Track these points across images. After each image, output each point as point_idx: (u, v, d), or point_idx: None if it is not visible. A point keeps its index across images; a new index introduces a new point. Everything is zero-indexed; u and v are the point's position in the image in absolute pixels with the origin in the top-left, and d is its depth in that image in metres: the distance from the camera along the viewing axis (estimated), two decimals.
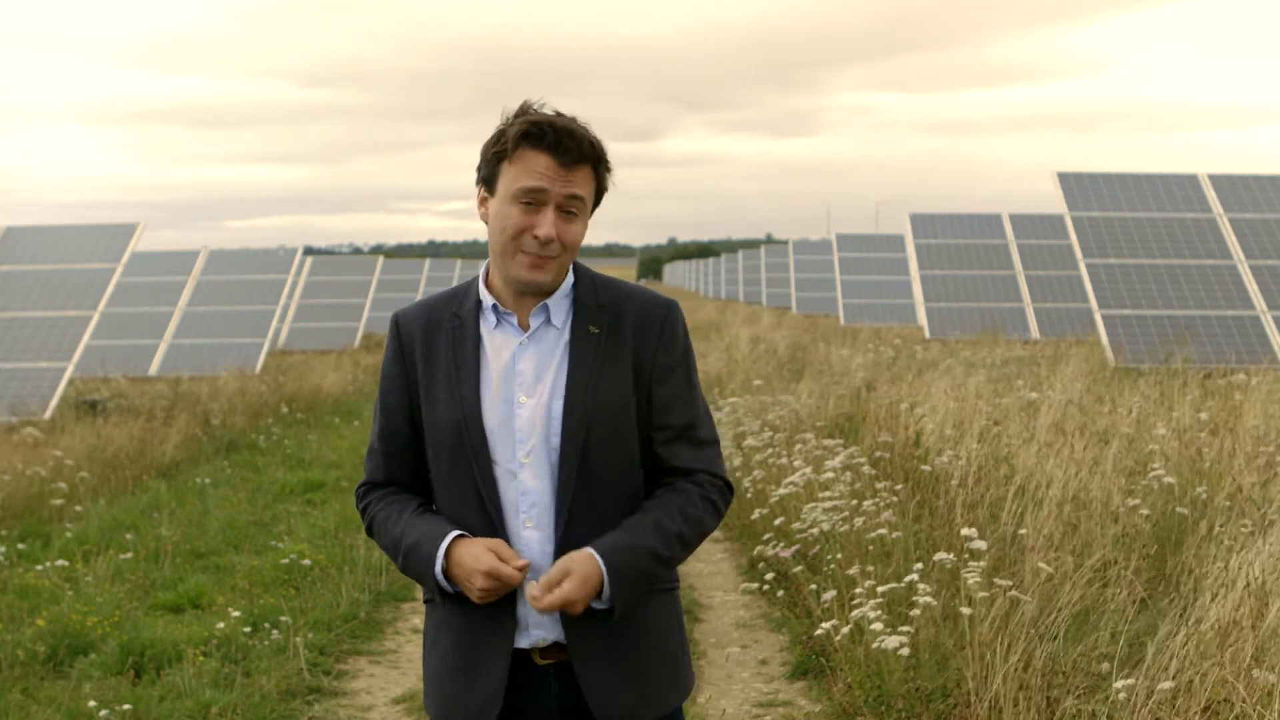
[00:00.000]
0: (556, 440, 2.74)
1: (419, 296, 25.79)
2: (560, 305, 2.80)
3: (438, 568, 2.72)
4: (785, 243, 48.78)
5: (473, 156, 2.85)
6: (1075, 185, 18.18)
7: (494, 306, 2.80)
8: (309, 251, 35.44)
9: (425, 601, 2.91)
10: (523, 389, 2.76)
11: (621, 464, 2.79)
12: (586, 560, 2.68)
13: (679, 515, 2.79)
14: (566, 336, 2.79)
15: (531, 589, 2.68)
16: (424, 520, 2.79)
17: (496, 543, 2.71)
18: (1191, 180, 18.34)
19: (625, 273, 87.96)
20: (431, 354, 2.82)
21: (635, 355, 2.80)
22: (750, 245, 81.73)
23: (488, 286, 2.83)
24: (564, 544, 2.73)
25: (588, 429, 2.73)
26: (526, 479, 2.74)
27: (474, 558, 2.68)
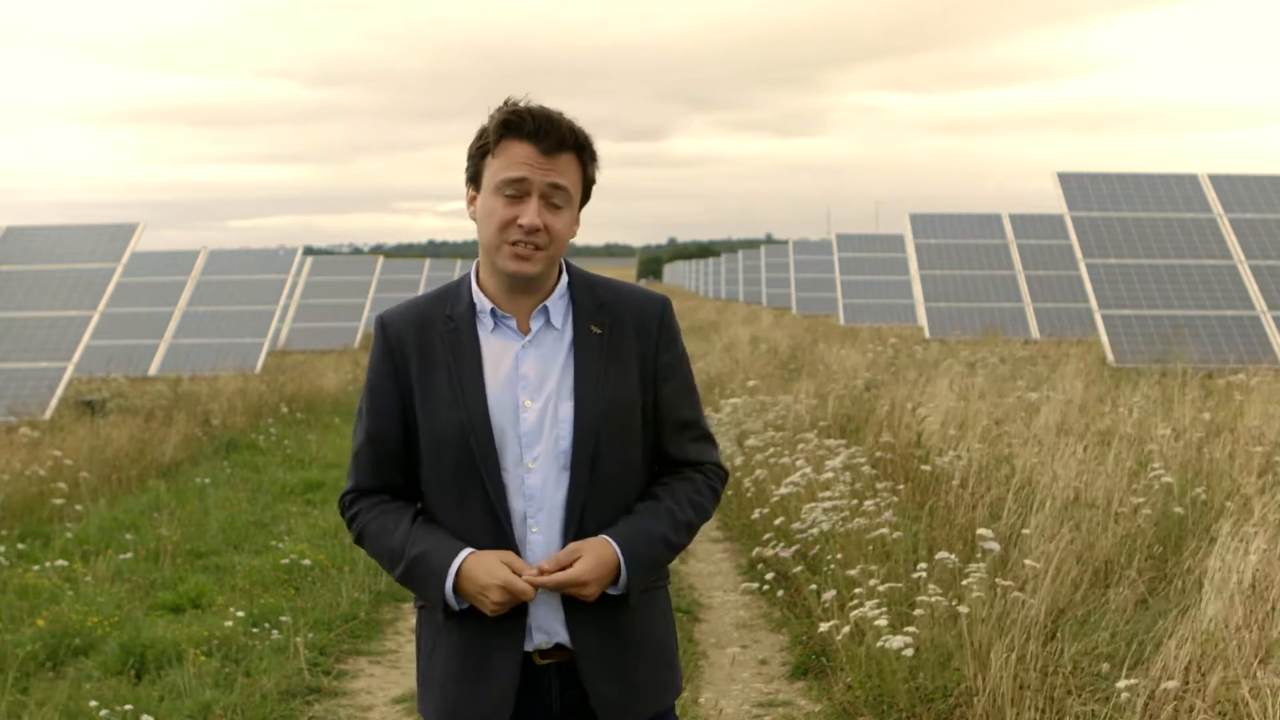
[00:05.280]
0: (566, 443, 2.71)
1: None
2: (558, 306, 2.78)
3: (448, 585, 2.68)
4: (785, 243, 48.76)
5: None
6: (1075, 185, 18.16)
7: (492, 310, 2.77)
8: (309, 251, 35.43)
9: (419, 607, 2.88)
10: (527, 392, 2.73)
11: (631, 464, 2.78)
12: (601, 545, 2.68)
13: (688, 504, 2.81)
14: (568, 337, 2.76)
15: (540, 565, 2.65)
16: (430, 533, 2.75)
17: (508, 555, 2.68)
18: (1191, 180, 18.32)
19: (625, 273, 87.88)
20: (427, 355, 2.78)
21: (640, 355, 2.79)
22: (750, 245, 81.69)
23: (480, 289, 2.80)
24: None
25: (598, 431, 2.71)
26: (534, 482, 2.72)
27: (488, 572, 2.64)
